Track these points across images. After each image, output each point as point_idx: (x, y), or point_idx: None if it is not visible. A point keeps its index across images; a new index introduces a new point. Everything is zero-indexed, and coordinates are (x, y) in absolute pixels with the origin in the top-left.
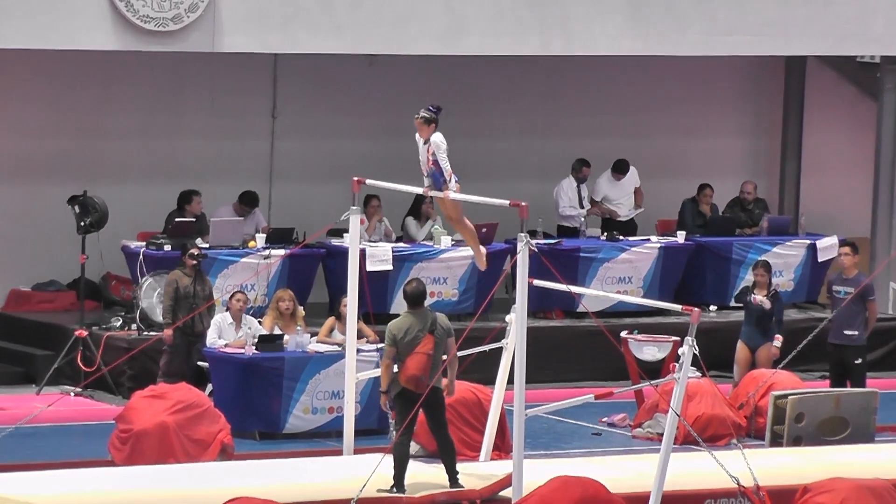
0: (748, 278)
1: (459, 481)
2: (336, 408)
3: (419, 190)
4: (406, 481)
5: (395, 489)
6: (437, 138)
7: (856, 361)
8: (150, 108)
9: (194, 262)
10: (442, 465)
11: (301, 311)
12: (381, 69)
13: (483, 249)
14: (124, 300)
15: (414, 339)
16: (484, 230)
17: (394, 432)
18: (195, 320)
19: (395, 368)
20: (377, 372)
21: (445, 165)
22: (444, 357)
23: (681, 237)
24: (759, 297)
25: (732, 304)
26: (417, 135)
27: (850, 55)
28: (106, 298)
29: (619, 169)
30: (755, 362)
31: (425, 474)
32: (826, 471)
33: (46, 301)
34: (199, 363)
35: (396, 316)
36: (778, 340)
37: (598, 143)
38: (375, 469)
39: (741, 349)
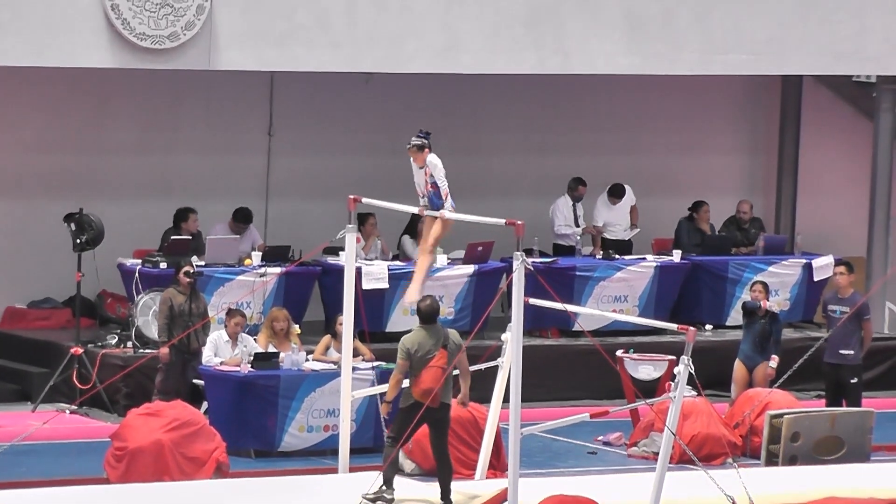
0: (744, 297)
1: (452, 501)
2: (332, 426)
3: (415, 209)
4: (400, 499)
5: (384, 489)
6: (433, 159)
7: (851, 381)
8: (147, 126)
9: (189, 279)
10: (436, 483)
11: (296, 328)
12: (378, 87)
13: (417, 286)
14: (120, 318)
15: (427, 353)
16: (480, 248)
17: (389, 443)
18: (190, 338)
19: (406, 383)
20: (373, 390)
21: (443, 185)
22: (456, 372)
23: (676, 256)
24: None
25: (728, 323)
26: (412, 160)
27: (847, 74)
28: (101, 316)
29: (615, 193)
30: (752, 381)
31: (419, 492)
32: (821, 490)
33: (42, 318)
34: (195, 381)
35: (393, 334)
36: (774, 361)
37: (594, 161)
38: (372, 486)
39: (739, 368)
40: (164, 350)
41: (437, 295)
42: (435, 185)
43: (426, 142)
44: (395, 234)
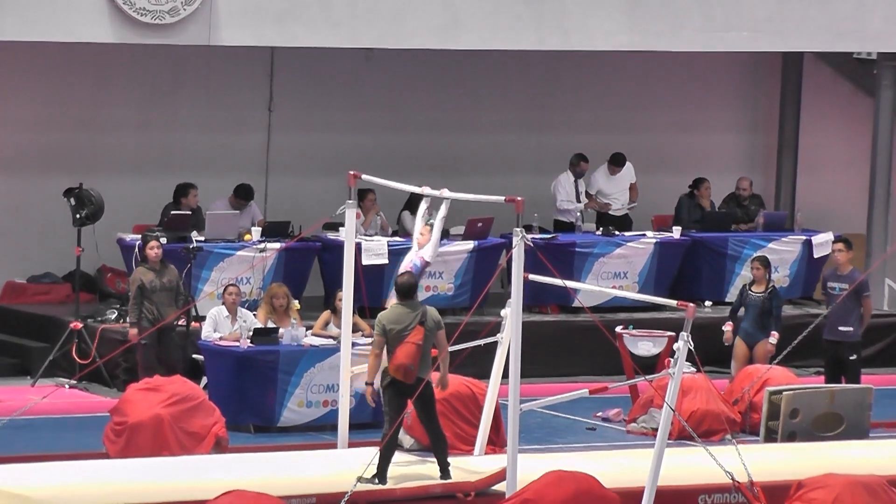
0: (744, 274)
1: (451, 473)
2: (331, 401)
3: (415, 189)
4: (398, 474)
5: (376, 479)
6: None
7: (850, 357)
8: (147, 101)
9: (156, 253)
10: (434, 459)
11: (296, 304)
12: (378, 63)
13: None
14: (119, 293)
15: (404, 329)
16: (479, 224)
17: (387, 424)
18: (161, 312)
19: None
20: (358, 369)
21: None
22: (434, 350)
23: (676, 232)
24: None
25: (728, 299)
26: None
27: (848, 52)
28: (101, 291)
29: (616, 162)
30: (753, 358)
31: (418, 467)
32: (820, 467)
33: (42, 293)
34: (194, 356)
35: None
36: (774, 337)
37: (594, 138)
38: (370, 462)
39: (739, 345)
40: (133, 331)
41: (436, 271)
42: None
43: None
44: (394, 210)
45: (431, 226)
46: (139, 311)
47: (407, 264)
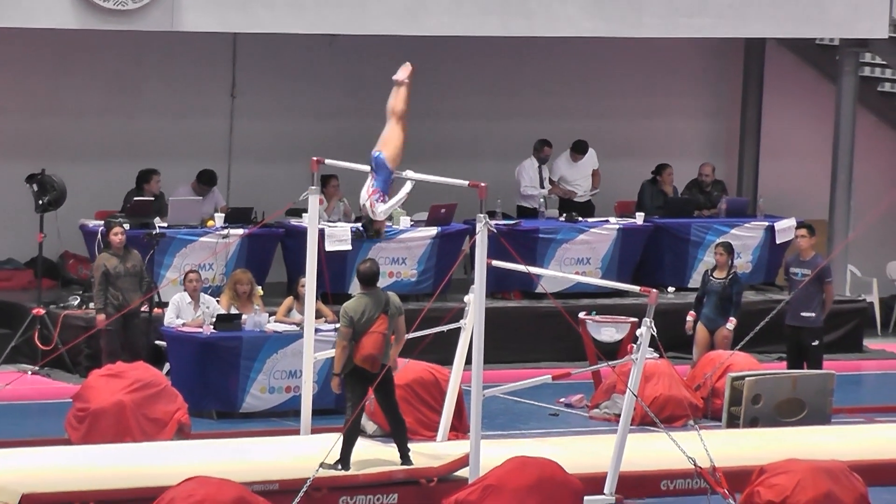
0: (706, 259)
1: (411, 458)
2: (293, 387)
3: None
4: (361, 460)
5: (339, 466)
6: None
7: (813, 343)
8: (109, 87)
9: (119, 239)
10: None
11: (259, 290)
12: (342, 49)
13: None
14: (82, 279)
15: (369, 319)
16: (443, 210)
17: (349, 411)
18: (127, 298)
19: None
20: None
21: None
22: (393, 336)
23: (639, 218)
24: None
25: (690, 285)
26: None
27: (810, 38)
28: (63, 277)
29: (578, 149)
30: (713, 344)
31: (381, 453)
32: (782, 452)
33: (3, 279)
34: (157, 342)
35: (353, 296)
36: (731, 323)
37: (557, 124)
38: (332, 448)
39: (700, 331)
40: (101, 317)
41: (399, 257)
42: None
43: None
44: (357, 196)
45: None
46: (104, 297)
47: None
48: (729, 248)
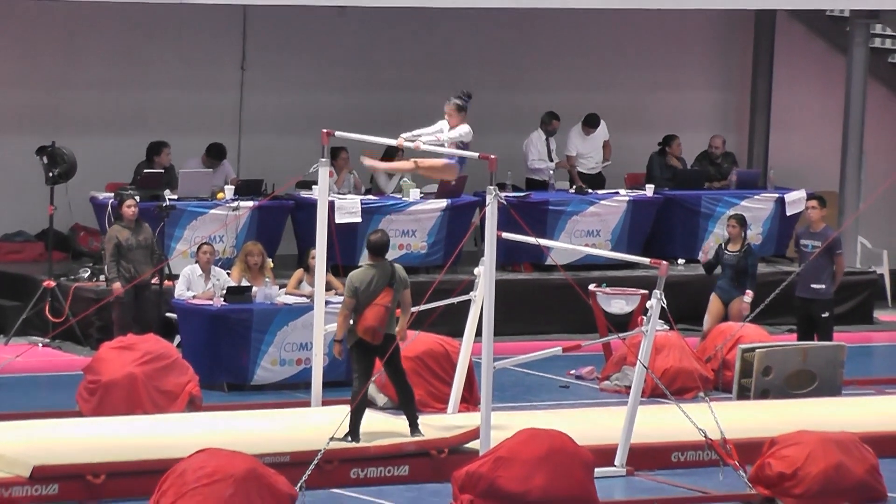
0: (716, 231)
1: (420, 429)
2: (304, 359)
3: (390, 141)
4: (371, 432)
5: (349, 438)
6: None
7: (823, 315)
8: (120, 60)
9: (132, 211)
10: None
11: (269, 262)
12: (352, 20)
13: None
14: (92, 251)
15: (374, 291)
16: (453, 183)
17: (356, 383)
18: (138, 270)
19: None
20: (330, 327)
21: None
22: (399, 310)
23: (649, 190)
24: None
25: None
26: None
27: (820, 9)
28: (74, 249)
29: (590, 123)
30: (728, 315)
31: (391, 425)
32: (793, 424)
33: (14, 252)
34: (168, 314)
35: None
36: (748, 296)
37: (567, 96)
38: (342, 422)
39: (714, 301)
40: (116, 284)
41: (409, 229)
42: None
43: (466, 104)
44: (367, 169)
45: (455, 105)
46: (117, 268)
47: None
48: (742, 220)
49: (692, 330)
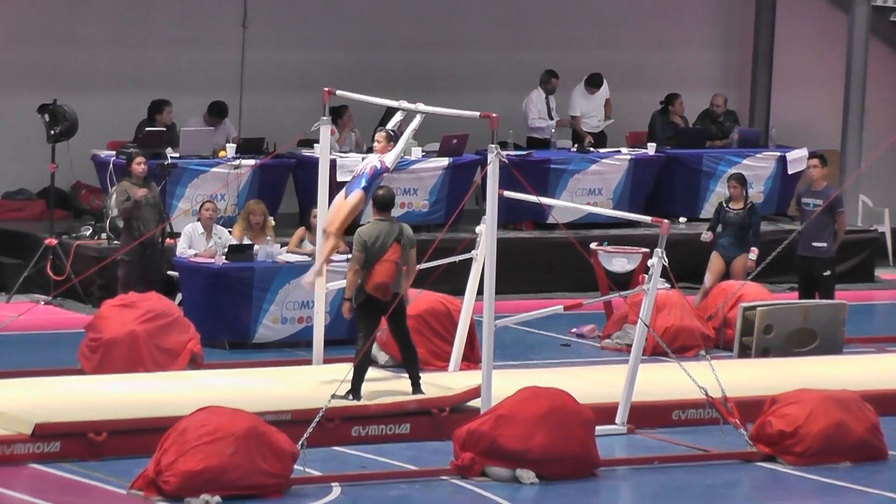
0: (718, 190)
1: (422, 388)
2: (306, 318)
3: (390, 102)
4: (373, 390)
5: (350, 396)
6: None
7: (824, 273)
8: (121, 17)
9: (141, 168)
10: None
11: (271, 221)
12: None
13: (315, 270)
14: (94, 209)
15: (383, 246)
16: (454, 141)
17: (360, 341)
18: (147, 228)
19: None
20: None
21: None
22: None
23: (651, 149)
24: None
25: (702, 216)
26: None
27: None
28: (76, 207)
29: (593, 83)
30: (730, 273)
31: (393, 384)
32: (794, 382)
33: (16, 210)
34: (169, 273)
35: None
36: (754, 253)
37: (568, 54)
38: (343, 380)
39: (715, 259)
40: (141, 192)
41: (411, 188)
42: (375, 168)
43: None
44: (369, 127)
45: (387, 133)
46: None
47: (364, 167)
48: (742, 180)
49: (693, 288)
